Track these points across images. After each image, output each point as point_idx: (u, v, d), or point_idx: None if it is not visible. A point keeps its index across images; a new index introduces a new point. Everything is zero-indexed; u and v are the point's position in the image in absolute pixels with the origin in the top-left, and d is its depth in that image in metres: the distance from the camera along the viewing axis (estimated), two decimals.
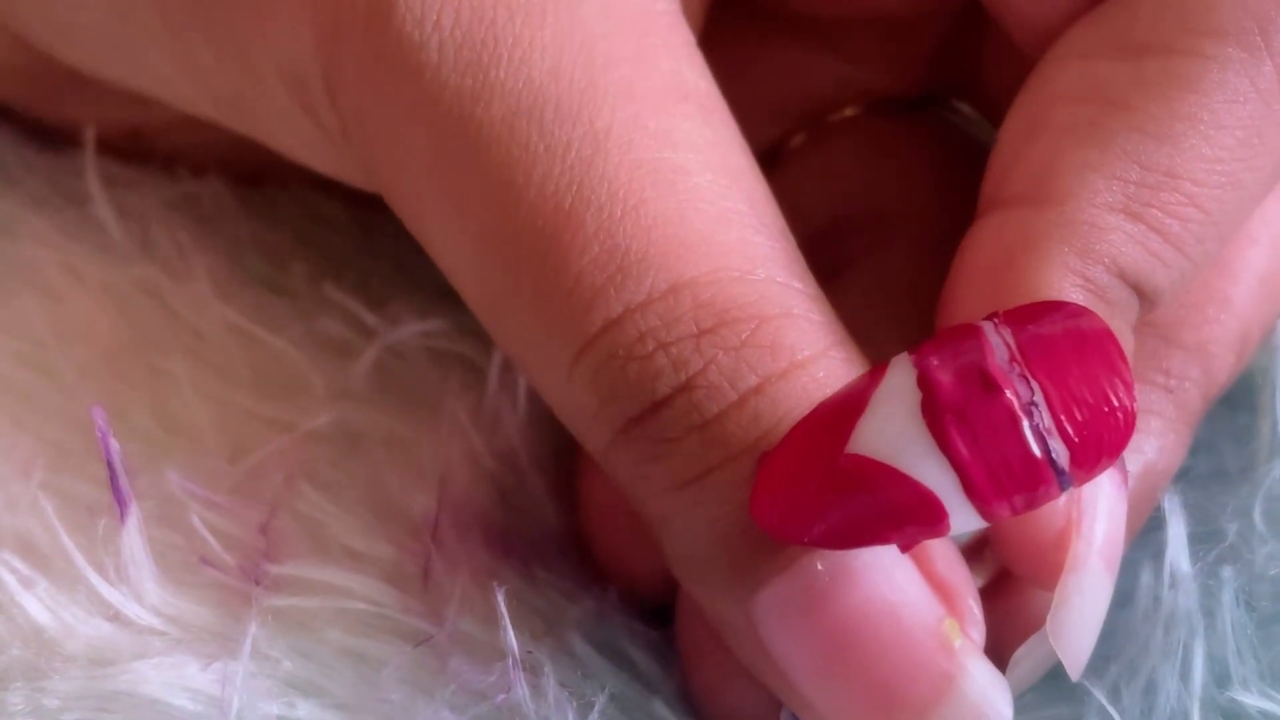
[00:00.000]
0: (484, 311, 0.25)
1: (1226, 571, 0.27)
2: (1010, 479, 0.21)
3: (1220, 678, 0.26)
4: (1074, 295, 0.24)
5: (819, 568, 0.23)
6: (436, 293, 0.33)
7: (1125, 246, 0.24)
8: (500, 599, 0.25)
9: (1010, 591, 0.27)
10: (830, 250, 0.30)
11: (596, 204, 0.24)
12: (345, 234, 0.35)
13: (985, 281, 0.24)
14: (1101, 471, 0.22)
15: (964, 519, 0.21)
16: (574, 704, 0.25)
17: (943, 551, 0.24)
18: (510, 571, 0.27)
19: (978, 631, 0.24)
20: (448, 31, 0.24)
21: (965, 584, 0.24)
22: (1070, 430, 0.21)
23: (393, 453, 0.29)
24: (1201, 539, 0.27)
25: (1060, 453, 0.21)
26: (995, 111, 0.32)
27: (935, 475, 0.21)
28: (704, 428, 0.23)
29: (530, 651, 0.26)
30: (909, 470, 0.21)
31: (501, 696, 0.25)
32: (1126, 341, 0.24)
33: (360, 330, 0.32)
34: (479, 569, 0.27)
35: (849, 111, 0.33)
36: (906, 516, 0.21)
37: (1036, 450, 0.21)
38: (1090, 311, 0.22)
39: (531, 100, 0.24)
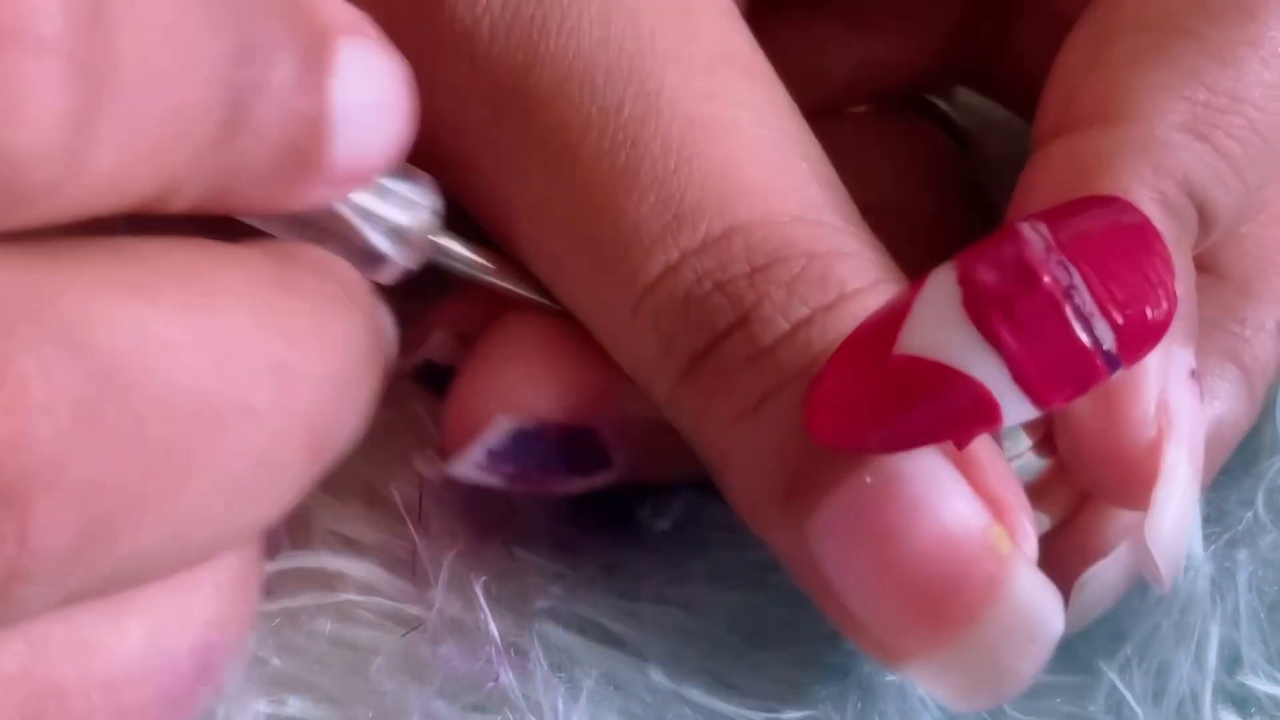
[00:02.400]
0: (544, 274, 0.26)
1: (1241, 554, 0.27)
2: (1058, 364, 0.21)
3: (1230, 662, 0.26)
4: (1149, 208, 0.24)
5: (867, 480, 0.23)
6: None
7: (1194, 164, 0.24)
8: (479, 589, 0.25)
9: (1073, 531, 0.27)
10: None
11: (651, 158, 0.24)
12: None
13: (1059, 198, 0.24)
14: (1148, 353, 0.22)
15: (1016, 410, 0.22)
16: (563, 686, 0.25)
17: (994, 467, 0.24)
18: (494, 554, 0.27)
19: (1029, 545, 0.24)
20: (498, 13, 0.25)
21: (1017, 498, 0.24)
22: (1113, 310, 0.21)
23: (374, 438, 0.29)
24: (1213, 523, 0.27)
25: (1105, 334, 0.21)
26: (1007, 93, 0.33)
27: (984, 367, 0.21)
28: (758, 358, 0.24)
29: (518, 637, 0.26)
30: (957, 365, 0.21)
31: (490, 684, 0.25)
32: (1186, 261, 0.25)
33: None
34: (463, 553, 0.27)
35: (857, 110, 0.34)
36: (959, 411, 0.22)
37: (1081, 333, 0.21)
38: (1124, 201, 0.23)
39: (582, 67, 0.25)
